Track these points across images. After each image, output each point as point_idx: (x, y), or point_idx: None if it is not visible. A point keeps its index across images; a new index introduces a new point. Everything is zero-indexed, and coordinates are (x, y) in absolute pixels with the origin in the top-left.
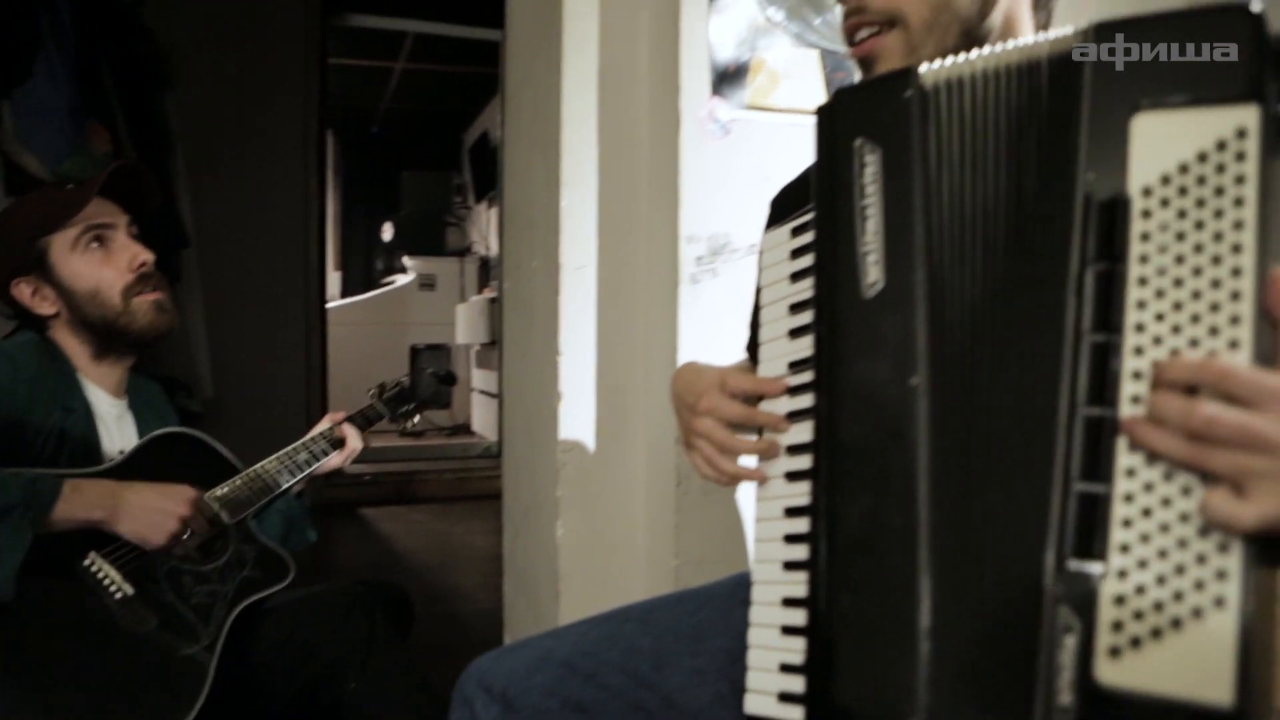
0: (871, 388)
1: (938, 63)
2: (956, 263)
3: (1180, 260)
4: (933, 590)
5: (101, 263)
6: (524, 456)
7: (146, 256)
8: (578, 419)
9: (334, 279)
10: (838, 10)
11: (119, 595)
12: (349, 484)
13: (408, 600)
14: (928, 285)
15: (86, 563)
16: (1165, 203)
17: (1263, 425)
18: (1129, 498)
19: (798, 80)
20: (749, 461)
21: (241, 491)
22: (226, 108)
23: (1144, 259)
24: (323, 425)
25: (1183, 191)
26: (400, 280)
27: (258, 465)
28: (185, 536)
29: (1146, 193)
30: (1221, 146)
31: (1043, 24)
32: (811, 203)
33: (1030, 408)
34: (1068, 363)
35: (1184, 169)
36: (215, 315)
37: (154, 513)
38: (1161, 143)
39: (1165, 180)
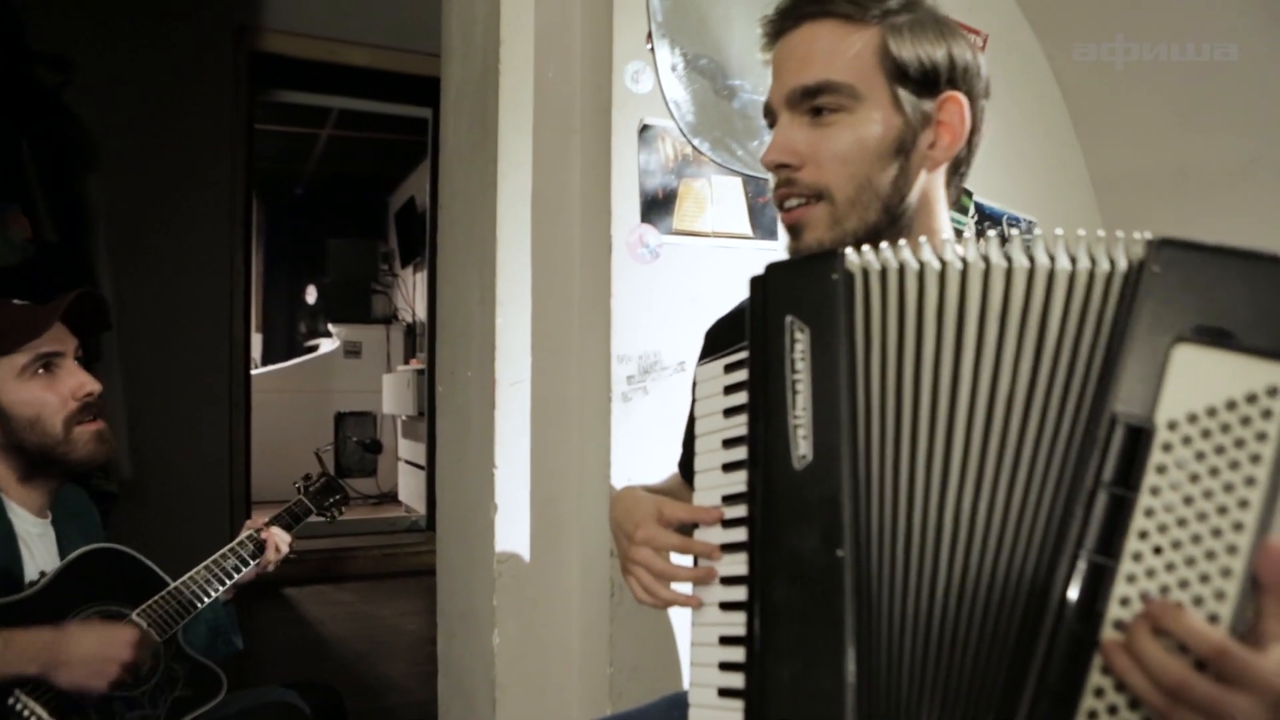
0: (801, 555)
1: (865, 250)
2: (890, 440)
3: (1189, 501)
4: None
5: (45, 389)
6: (460, 564)
7: (93, 387)
8: (513, 530)
9: (256, 341)
10: (763, 139)
11: None
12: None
13: (340, 703)
14: (852, 461)
15: (11, 701)
16: (1187, 440)
17: (1235, 704)
18: (1092, 714)
19: (723, 206)
20: (685, 587)
21: (169, 606)
22: (151, 185)
23: (1155, 491)
24: (247, 530)
25: (1205, 434)
26: (325, 347)
27: (183, 577)
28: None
29: (1172, 426)
30: (1252, 399)
31: (954, 199)
32: (745, 340)
33: (1004, 602)
34: (1062, 573)
35: (1212, 412)
36: (135, 392)
37: (95, 663)
38: (1197, 380)
39: (1192, 419)
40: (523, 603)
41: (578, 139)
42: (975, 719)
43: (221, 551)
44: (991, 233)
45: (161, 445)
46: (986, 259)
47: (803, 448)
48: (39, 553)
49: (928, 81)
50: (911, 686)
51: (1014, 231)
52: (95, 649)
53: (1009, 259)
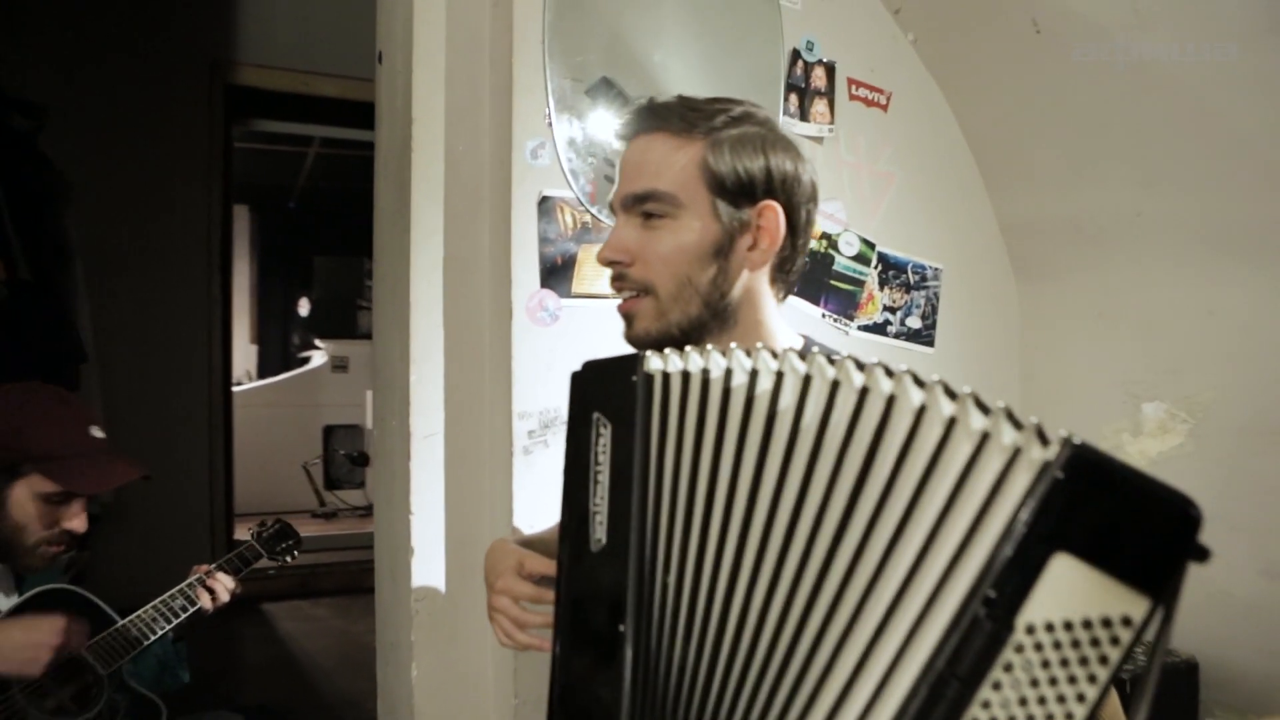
0: (590, 627)
1: (667, 354)
2: (679, 530)
3: (1023, 703)
4: None
5: (47, 515)
6: (388, 601)
7: (81, 530)
8: (429, 570)
9: (251, 353)
10: None
11: None
12: (253, 578)
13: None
14: (639, 547)
15: None
16: (1039, 647)
17: None
18: None
19: None
20: (546, 632)
21: (116, 641)
22: (128, 219)
23: (996, 685)
24: (195, 574)
25: (1057, 645)
26: (316, 359)
27: (132, 615)
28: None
29: (1030, 630)
30: (1106, 624)
31: (782, 295)
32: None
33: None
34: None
35: (1068, 626)
36: (115, 417)
37: (27, 649)
38: (1065, 592)
39: (1049, 628)
40: (438, 638)
41: (486, 208)
42: None
43: (170, 592)
44: (834, 356)
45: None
46: (787, 371)
47: (599, 532)
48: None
49: (744, 192)
50: None
51: (918, 278)
52: (23, 638)
53: (818, 372)
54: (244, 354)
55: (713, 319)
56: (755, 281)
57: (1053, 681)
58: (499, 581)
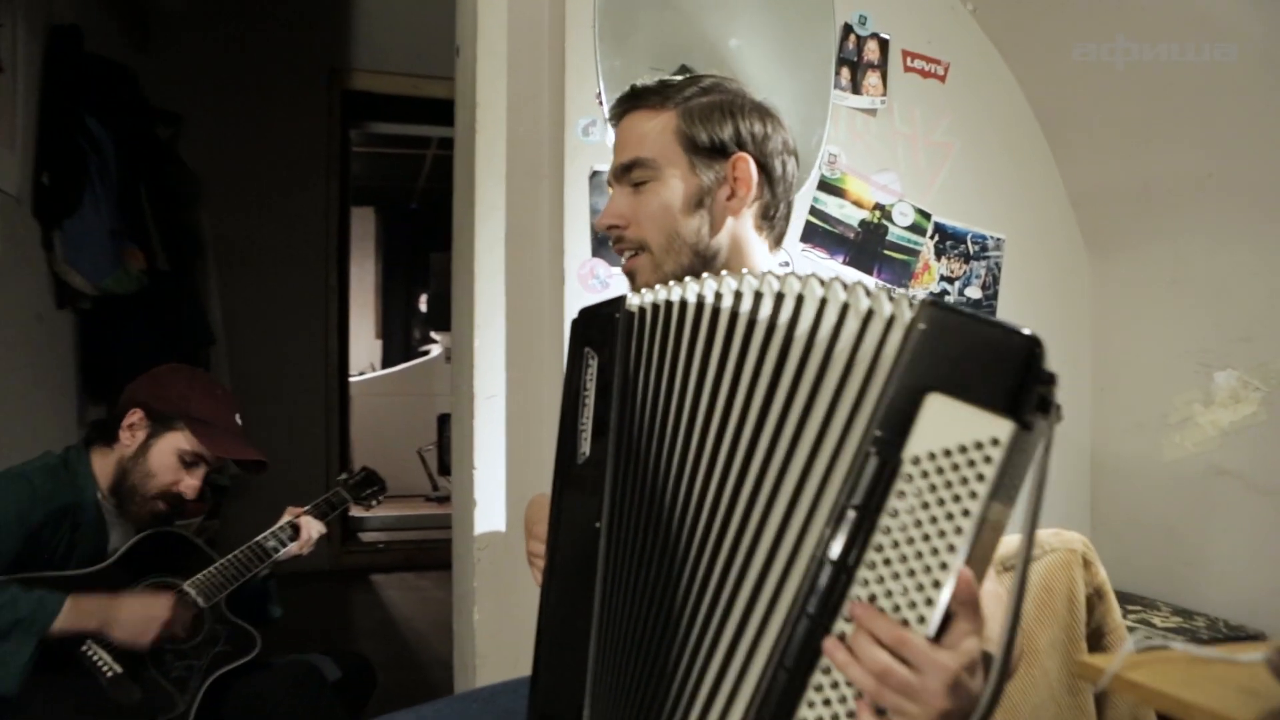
0: (576, 528)
1: (644, 292)
2: (648, 440)
3: (918, 524)
4: (594, 675)
5: (175, 474)
6: (459, 552)
7: (190, 495)
8: (491, 521)
9: (376, 347)
10: None
11: (109, 674)
12: (365, 551)
13: (369, 669)
14: (616, 458)
15: (84, 648)
16: (925, 475)
17: (919, 683)
18: (818, 689)
19: None
20: None
21: (215, 578)
22: (255, 216)
23: (894, 513)
24: (287, 516)
25: (939, 471)
26: (431, 353)
27: (229, 555)
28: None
29: (915, 461)
30: (978, 446)
31: (775, 240)
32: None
33: (731, 584)
34: (801, 570)
35: (947, 453)
36: (242, 397)
37: (140, 623)
38: (940, 424)
39: (931, 456)
40: (499, 585)
41: (546, 184)
42: (707, 636)
43: (264, 534)
44: (785, 270)
45: (267, 445)
46: (747, 290)
47: (584, 446)
48: (119, 532)
49: (717, 149)
50: (651, 608)
51: (976, 248)
52: (139, 612)
53: (767, 290)
54: (369, 347)
55: (704, 266)
56: (740, 229)
57: (940, 502)
58: (535, 528)
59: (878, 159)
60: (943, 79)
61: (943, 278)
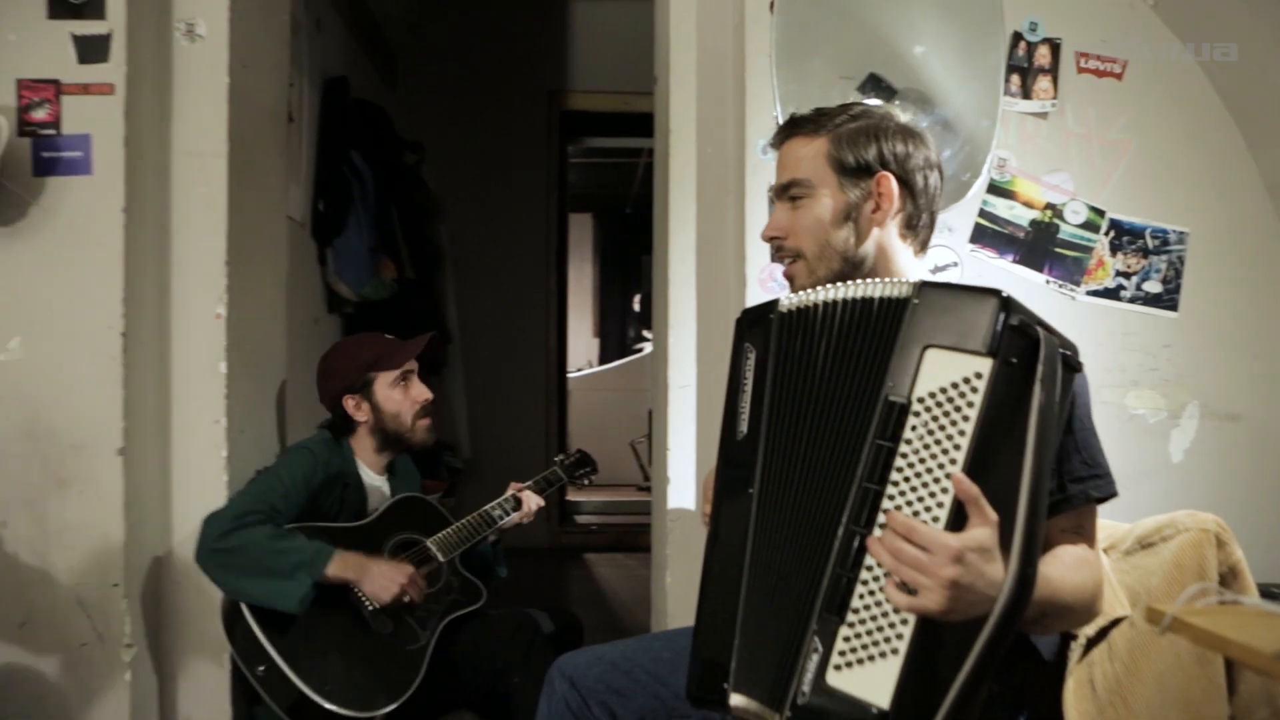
0: (733, 495)
1: (792, 296)
2: (789, 419)
3: (928, 447)
4: (743, 615)
5: (403, 395)
6: (657, 525)
7: (428, 395)
8: (681, 496)
9: (594, 345)
10: None
11: (370, 608)
12: (580, 532)
13: (578, 625)
14: (767, 435)
15: (355, 593)
16: (929, 409)
17: (926, 559)
18: (864, 581)
19: None
20: None
21: (452, 537)
22: (485, 228)
23: (908, 442)
24: (511, 491)
25: (939, 404)
26: (645, 349)
27: (463, 519)
28: (406, 598)
29: (920, 401)
30: (967, 381)
31: (920, 246)
32: None
33: (820, 516)
34: (852, 494)
35: (943, 390)
36: (474, 392)
37: (384, 581)
38: (936, 371)
39: (931, 395)
40: (686, 552)
41: (731, 199)
42: (806, 570)
43: (491, 504)
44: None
45: (495, 432)
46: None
47: (742, 426)
48: (377, 496)
49: (862, 169)
50: (781, 558)
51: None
52: (386, 573)
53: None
54: (587, 345)
55: (853, 271)
56: (885, 238)
57: (941, 428)
58: (709, 494)
59: (1049, 160)
60: (1119, 76)
61: (1118, 273)
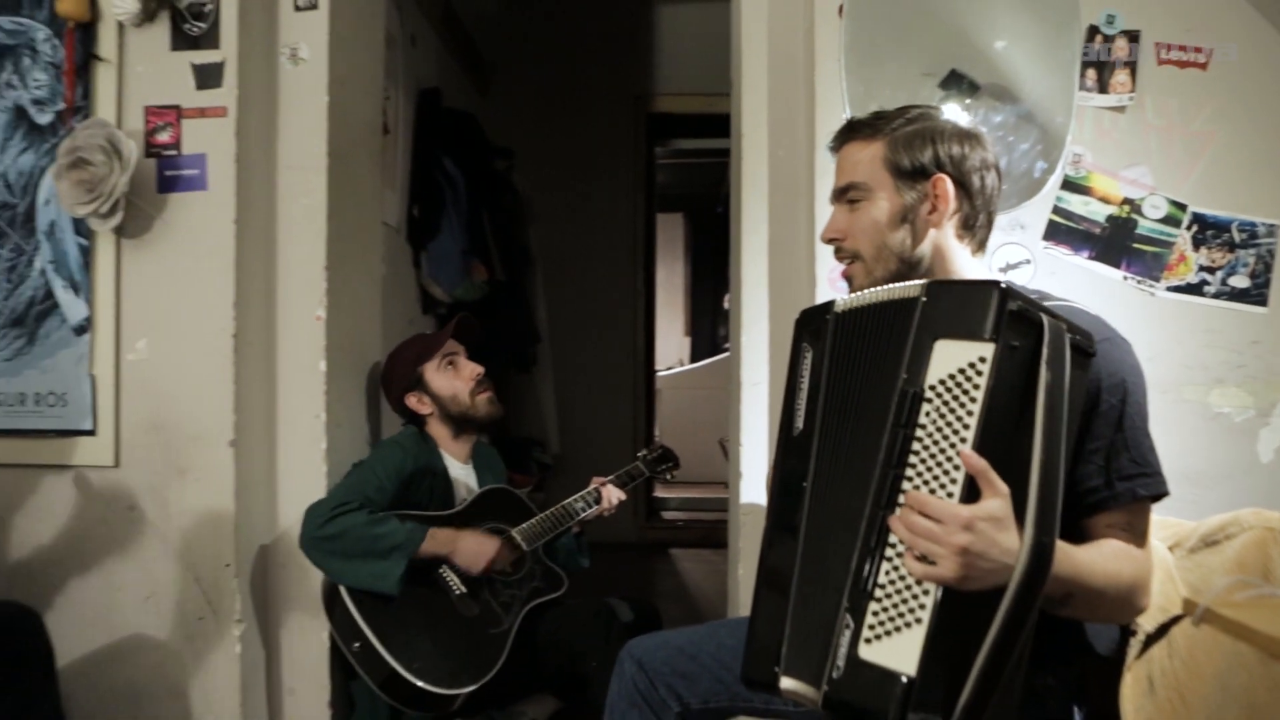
0: (788, 488)
1: (846, 298)
2: (837, 414)
3: (940, 430)
4: (794, 602)
5: (454, 377)
6: (733, 517)
7: (479, 370)
8: (752, 490)
9: (685, 344)
10: None
11: (457, 592)
12: (666, 528)
13: (657, 614)
14: (820, 430)
15: (440, 570)
16: (940, 395)
17: (939, 529)
18: (889, 559)
19: None
20: None
21: (536, 528)
22: (574, 230)
23: (922, 426)
24: (593, 485)
25: (948, 390)
26: None
27: (547, 510)
28: (494, 570)
29: (932, 388)
30: (972, 366)
31: (977, 246)
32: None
33: (855, 503)
34: (875, 479)
35: (951, 377)
36: (563, 390)
37: (474, 554)
38: (945, 359)
39: (941, 382)
40: (758, 545)
41: (802, 201)
42: (841, 554)
43: (574, 497)
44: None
45: (583, 429)
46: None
47: (799, 421)
48: (464, 486)
49: (918, 171)
50: (825, 547)
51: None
52: (476, 546)
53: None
54: (678, 344)
55: (910, 271)
56: (942, 239)
57: (951, 410)
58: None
59: (1127, 154)
60: (1204, 67)
61: (1201, 268)
